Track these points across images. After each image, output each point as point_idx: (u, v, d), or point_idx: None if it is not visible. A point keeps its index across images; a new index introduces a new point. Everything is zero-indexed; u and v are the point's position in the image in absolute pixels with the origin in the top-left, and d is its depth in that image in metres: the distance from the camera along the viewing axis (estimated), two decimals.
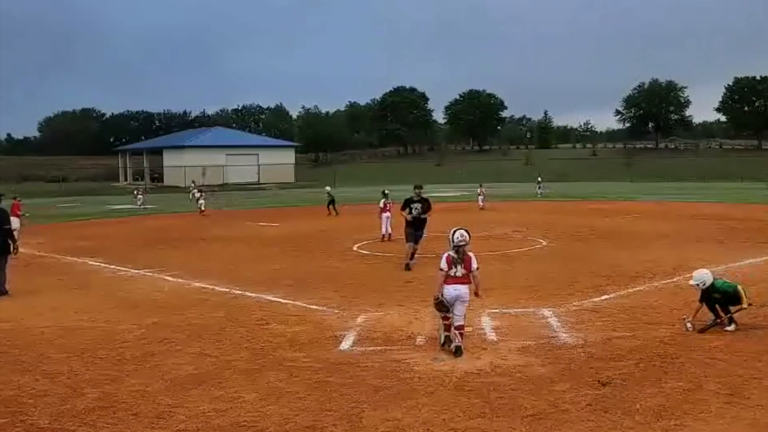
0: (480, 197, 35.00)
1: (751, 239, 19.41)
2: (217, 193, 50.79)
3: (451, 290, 8.48)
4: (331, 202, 32.08)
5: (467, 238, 8.62)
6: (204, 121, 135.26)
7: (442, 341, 8.73)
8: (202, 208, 34.04)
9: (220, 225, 28.48)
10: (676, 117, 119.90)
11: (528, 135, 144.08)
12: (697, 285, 9.43)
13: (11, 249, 13.38)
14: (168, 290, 13.61)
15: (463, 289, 8.52)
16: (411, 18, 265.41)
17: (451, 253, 8.55)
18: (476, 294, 8.76)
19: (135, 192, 46.12)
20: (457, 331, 8.51)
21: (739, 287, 9.49)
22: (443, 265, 8.53)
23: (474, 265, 8.58)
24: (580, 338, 9.12)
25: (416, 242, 15.62)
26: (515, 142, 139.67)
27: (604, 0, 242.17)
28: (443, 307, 8.57)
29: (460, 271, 8.50)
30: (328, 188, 34.94)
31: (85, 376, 8.04)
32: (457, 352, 8.40)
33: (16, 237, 14.25)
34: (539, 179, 48.42)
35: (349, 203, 36.44)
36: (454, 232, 8.65)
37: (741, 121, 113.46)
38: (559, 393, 6.99)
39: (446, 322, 8.62)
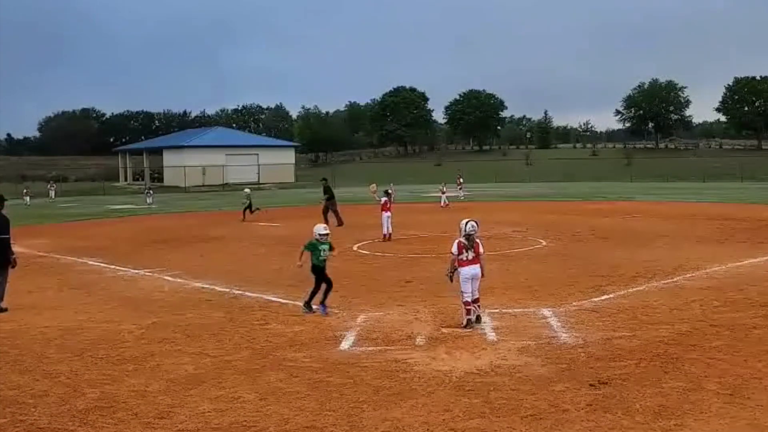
0: (443, 196, 35.25)
1: (750, 239, 19.39)
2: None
3: (469, 270, 9.77)
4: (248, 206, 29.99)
5: (476, 228, 9.92)
6: (204, 121, 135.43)
7: (464, 323, 9.74)
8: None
9: (220, 225, 28.49)
10: (676, 117, 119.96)
11: (528, 135, 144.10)
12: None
13: (10, 261, 12.09)
14: (168, 290, 13.60)
15: (477, 269, 9.87)
16: (411, 18, 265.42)
17: (462, 240, 9.79)
18: (481, 275, 9.94)
19: (148, 191, 46.43)
20: (474, 304, 9.80)
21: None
22: (454, 249, 9.85)
23: (481, 249, 9.95)
24: (579, 338, 9.11)
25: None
26: (515, 142, 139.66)
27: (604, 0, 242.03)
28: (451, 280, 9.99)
29: (470, 255, 9.78)
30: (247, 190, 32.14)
31: (85, 376, 8.04)
32: (478, 320, 9.82)
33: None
34: (459, 179, 46.26)
35: (349, 203, 36.40)
36: (466, 223, 9.93)
37: (741, 121, 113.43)
38: (559, 393, 6.98)
39: (468, 307, 9.72)
